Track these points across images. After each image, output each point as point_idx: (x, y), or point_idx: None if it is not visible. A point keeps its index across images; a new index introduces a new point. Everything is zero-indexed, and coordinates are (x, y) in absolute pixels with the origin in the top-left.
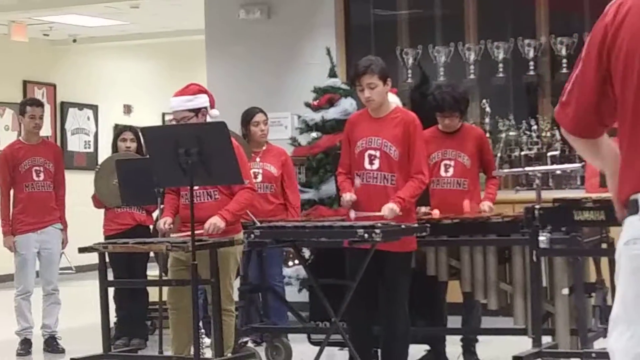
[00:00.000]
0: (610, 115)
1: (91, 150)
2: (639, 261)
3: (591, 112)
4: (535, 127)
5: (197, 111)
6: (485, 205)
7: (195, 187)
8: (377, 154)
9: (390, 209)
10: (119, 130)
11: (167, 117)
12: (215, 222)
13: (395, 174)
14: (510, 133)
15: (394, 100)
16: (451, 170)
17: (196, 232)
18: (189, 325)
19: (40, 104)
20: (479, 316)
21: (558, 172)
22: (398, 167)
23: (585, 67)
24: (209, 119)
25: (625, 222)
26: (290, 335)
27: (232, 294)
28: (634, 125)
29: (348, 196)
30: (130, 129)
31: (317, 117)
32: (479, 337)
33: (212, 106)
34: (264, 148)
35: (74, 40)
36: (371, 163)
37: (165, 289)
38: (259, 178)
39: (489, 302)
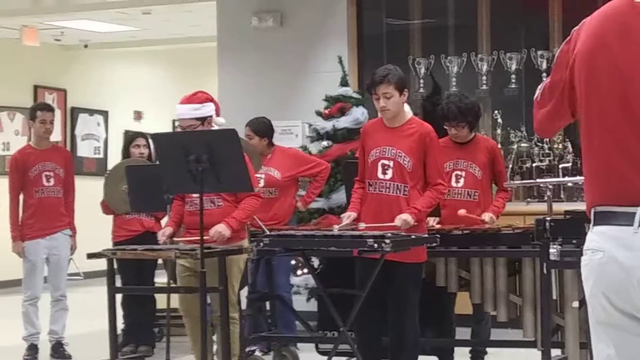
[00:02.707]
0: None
1: (101, 156)
2: (585, 271)
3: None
4: (547, 139)
5: (203, 119)
6: (487, 215)
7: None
8: (391, 164)
9: (403, 220)
10: (130, 136)
11: (177, 124)
12: (221, 230)
13: (408, 185)
14: (522, 144)
15: (408, 109)
16: (462, 181)
17: (188, 239)
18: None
19: (50, 109)
20: (488, 328)
21: (570, 184)
22: (411, 178)
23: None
24: (214, 127)
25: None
26: (298, 345)
27: (236, 301)
28: (586, 143)
29: (345, 218)
30: (142, 135)
31: (328, 125)
32: (488, 349)
33: (217, 114)
34: (270, 153)
35: (85, 46)
36: (384, 173)
37: (173, 296)
38: (262, 183)
39: (498, 314)
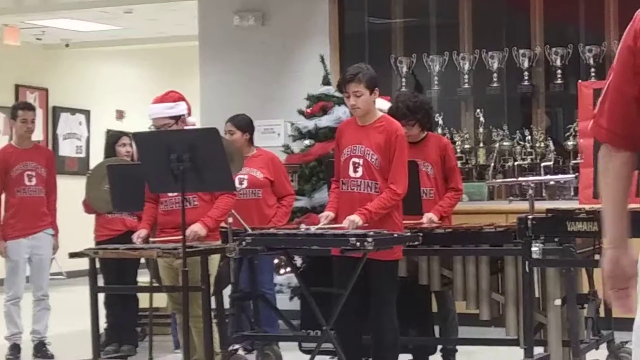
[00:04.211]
0: None
1: (83, 155)
2: None
3: (627, 120)
4: (529, 137)
5: (177, 118)
6: (425, 217)
7: (175, 194)
8: (360, 161)
9: (351, 221)
10: (115, 136)
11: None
12: (197, 229)
13: (378, 182)
14: (504, 143)
15: (385, 107)
16: None
17: (174, 238)
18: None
19: (31, 108)
20: (455, 325)
21: (551, 182)
22: (380, 175)
23: (617, 75)
24: (190, 126)
25: None
26: (281, 343)
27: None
28: None
29: (323, 219)
30: (126, 134)
31: (310, 124)
32: (472, 348)
33: (189, 113)
34: (251, 154)
35: (67, 45)
36: (355, 171)
37: (155, 296)
38: (244, 184)
39: (481, 312)
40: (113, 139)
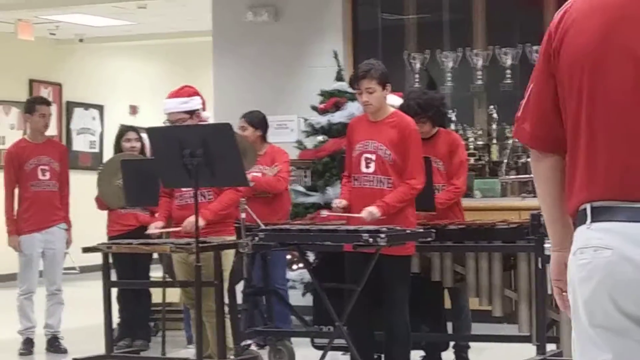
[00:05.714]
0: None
1: (96, 150)
2: (586, 270)
3: (548, 123)
4: None
5: (191, 113)
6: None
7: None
8: (373, 157)
9: (369, 212)
10: (121, 130)
11: (165, 119)
12: (193, 220)
13: (392, 178)
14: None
15: (397, 103)
16: None
17: (175, 230)
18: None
19: (49, 103)
20: (468, 321)
21: None
22: (393, 170)
23: (537, 78)
24: (205, 121)
25: (575, 234)
26: (293, 339)
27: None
28: (575, 137)
29: (336, 202)
30: (133, 129)
31: (323, 120)
32: (484, 344)
33: (203, 108)
34: (263, 151)
35: (81, 40)
36: (367, 166)
37: (168, 290)
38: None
39: (493, 309)
40: (120, 133)
